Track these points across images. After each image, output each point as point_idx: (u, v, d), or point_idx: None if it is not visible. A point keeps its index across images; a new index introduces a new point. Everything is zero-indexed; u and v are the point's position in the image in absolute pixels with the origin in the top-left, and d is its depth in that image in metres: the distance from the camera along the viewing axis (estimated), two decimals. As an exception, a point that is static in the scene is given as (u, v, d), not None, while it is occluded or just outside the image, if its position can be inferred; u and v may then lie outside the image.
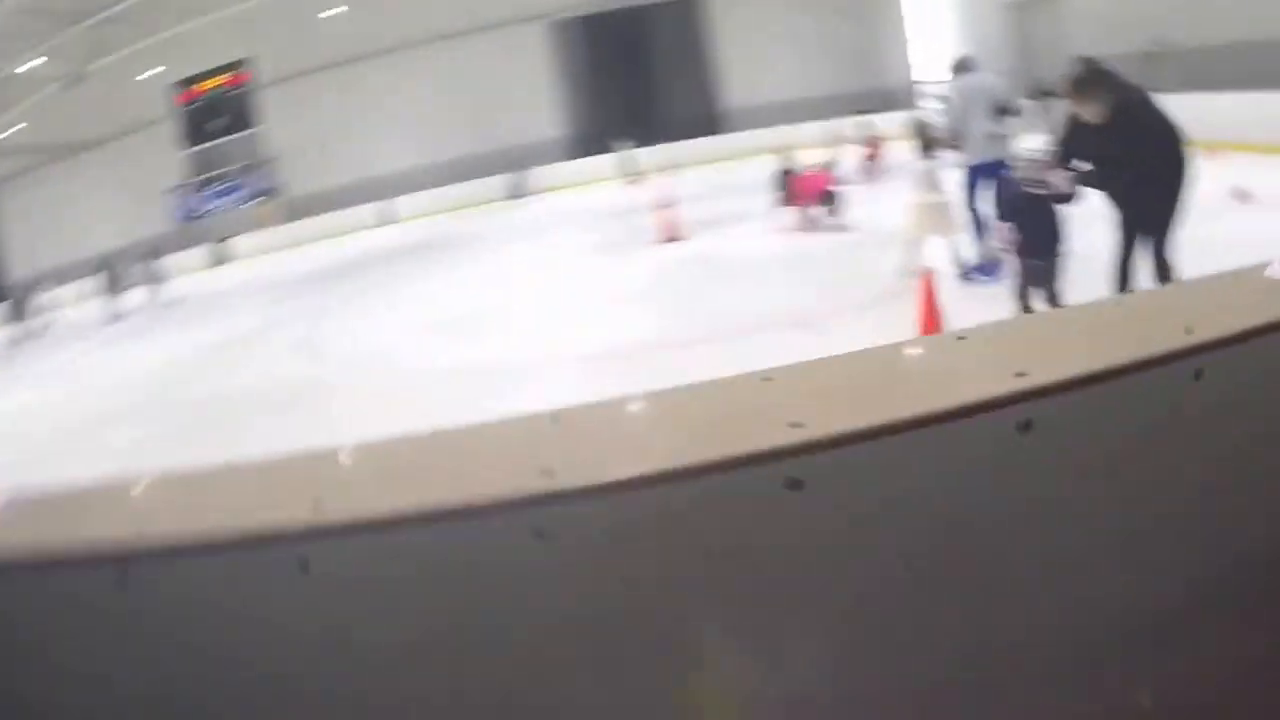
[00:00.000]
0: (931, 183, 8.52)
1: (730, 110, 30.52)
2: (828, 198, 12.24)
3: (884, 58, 30.94)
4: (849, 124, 19.58)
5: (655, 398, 1.09)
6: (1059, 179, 5.65)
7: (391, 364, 8.41)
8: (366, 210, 25.51)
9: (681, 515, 0.84)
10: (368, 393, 7.58)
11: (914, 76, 30.57)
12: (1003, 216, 6.22)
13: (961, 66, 8.41)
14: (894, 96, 29.01)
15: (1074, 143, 5.67)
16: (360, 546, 0.83)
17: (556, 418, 1.01)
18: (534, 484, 0.81)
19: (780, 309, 8.30)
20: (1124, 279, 5.78)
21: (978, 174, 7.82)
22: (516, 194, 26.01)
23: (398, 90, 27.36)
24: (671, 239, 13.34)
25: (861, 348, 1.11)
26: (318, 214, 25.78)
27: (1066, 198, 5.76)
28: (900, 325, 7.27)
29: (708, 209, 15.97)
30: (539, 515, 0.82)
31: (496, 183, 26.21)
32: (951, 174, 8.56)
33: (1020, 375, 0.86)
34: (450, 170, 26.48)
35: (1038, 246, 5.92)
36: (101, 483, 1.01)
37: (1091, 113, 5.34)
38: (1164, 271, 5.57)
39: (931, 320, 6.40)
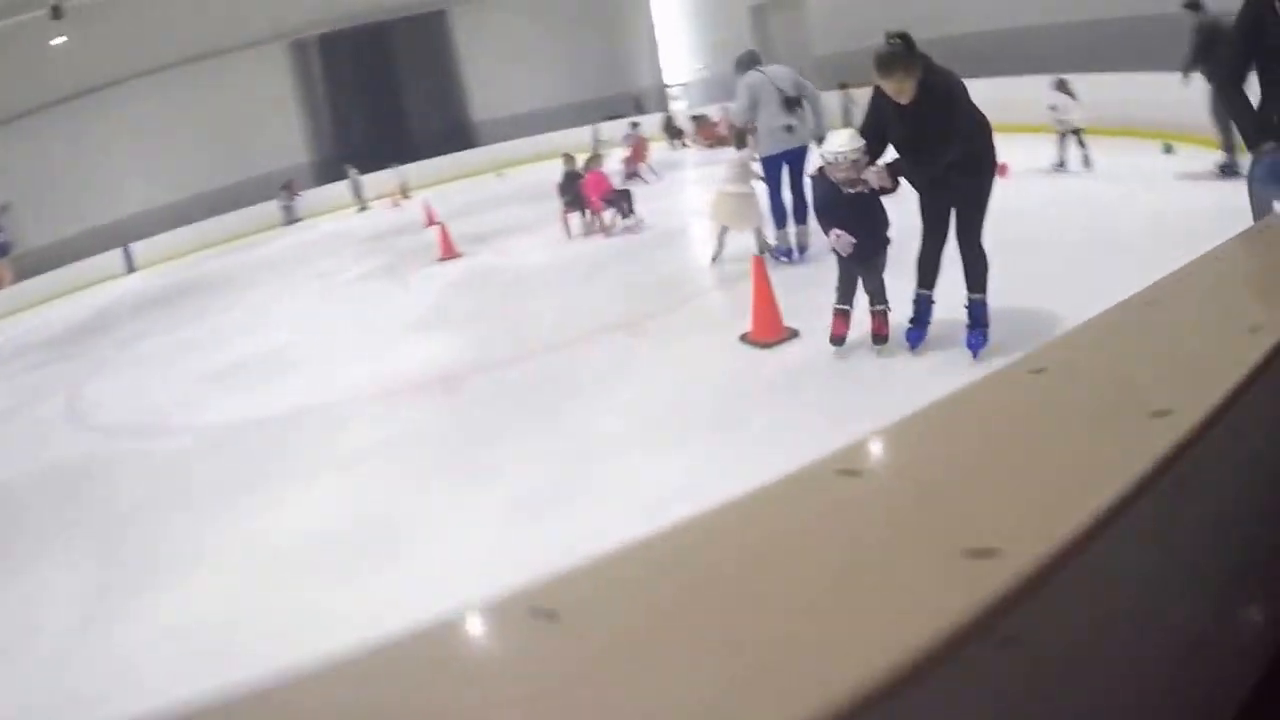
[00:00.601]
0: (739, 174, 8.51)
1: (481, 123, 30.16)
2: (621, 199, 12.15)
3: (634, 63, 31.46)
4: (605, 128, 19.62)
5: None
6: (875, 175, 5.22)
7: (174, 423, 7.52)
8: (113, 256, 23.40)
9: None
10: (158, 459, 6.75)
11: (665, 79, 31.43)
12: (824, 221, 5.58)
13: (746, 62, 8.39)
14: (646, 99, 29.61)
15: (878, 126, 5.29)
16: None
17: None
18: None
19: (590, 316, 8.07)
20: (929, 270, 5.54)
21: (772, 165, 7.99)
22: (289, 220, 24.75)
23: (134, 124, 25.15)
24: (450, 256, 12.89)
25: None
26: (57, 267, 23.36)
27: (887, 191, 5.36)
28: (716, 318, 7.26)
29: (478, 223, 15.63)
30: None
31: (256, 214, 24.76)
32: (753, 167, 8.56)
33: None
34: (202, 205, 24.66)
35: (864, 246, 5.45)
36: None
37: (898, 92, 4.98)
38: (975, 263, 5.31)
39: (765, 306, 6.26)
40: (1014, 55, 13.65)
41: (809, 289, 6.72)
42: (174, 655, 3.81)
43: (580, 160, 13.23)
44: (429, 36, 30.20)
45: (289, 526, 4.96)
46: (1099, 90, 11.43)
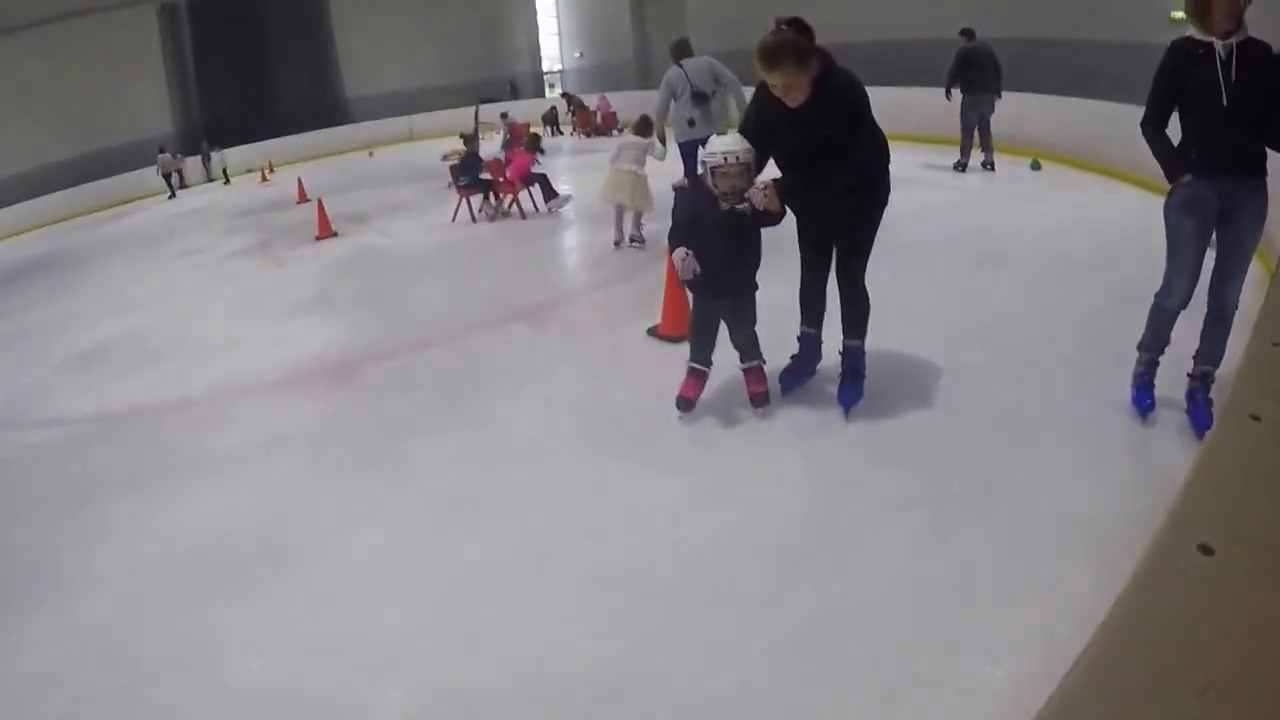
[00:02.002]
0: (636, 156, 8.53)
1: (354, 100, 29.10)
2: (541, 180, 11.58)
3: (512, 47, 30.95)
4: (482, 111, 19.00)
5: None
6: (763, 195, 4.11)
7: (35, 415, 6.57)
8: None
9: None
10: (18, 456, 5.81)
11: (544, 66, 31.10)
12: (676, 240, 4.33)
13: (677, 51, 8.39)
14: (522, 84, 29.15)
15: (759, 132, 4.25)
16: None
17: None
18: None
19: (486, 304, 7.54)
20: (812, 306, 4.77)
21: (684, 151, 7.97)
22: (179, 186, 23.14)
23: None
24: (327, 235, 12.09)
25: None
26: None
27: (770, 219, 4.26)
28: (620, 310, 6.86)
29: (354, 201, 14.88)
30: None
31: (118, 185, 23.02)
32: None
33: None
34: (60, 174, 22.68)
35: (729, 283, 4.39)
36: None
37: (787, 91, 3.96)
38: (853, 304, 4.50)
39: (675, 299, 5.78)
40: (908, 68, 13.81)
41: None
42: (44, 690, 3.20)
43: (454, 144, 12.68)
44: (304, 7, 28.85)
45: (175, 533, 4.27)
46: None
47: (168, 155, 22.34)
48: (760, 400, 4.63)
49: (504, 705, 2.80)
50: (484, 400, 5.41)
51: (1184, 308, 3.99)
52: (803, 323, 4.84)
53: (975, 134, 11.01)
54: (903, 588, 3.12)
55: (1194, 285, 3.94)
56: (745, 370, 4.65)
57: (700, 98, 7.99)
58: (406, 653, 3.11)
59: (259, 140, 25.30)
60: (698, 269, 4.23)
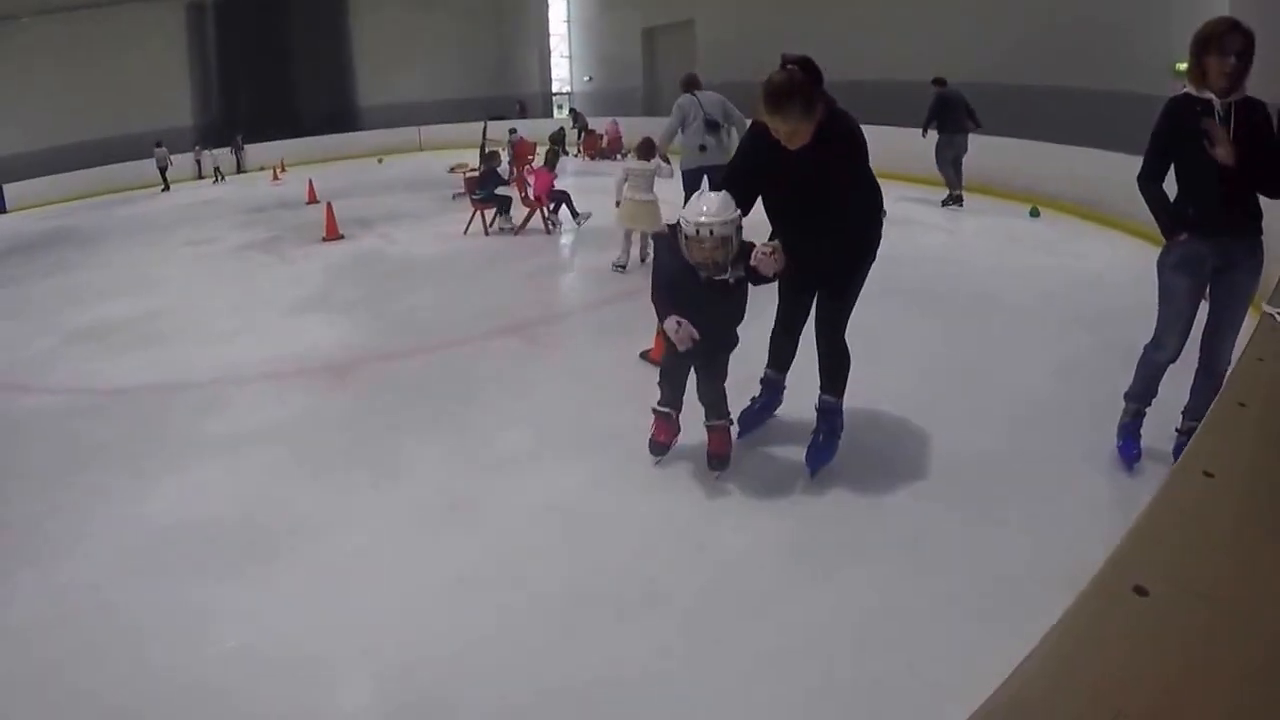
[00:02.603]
0: (644, 184, 8.66)
1: (366, 108, 29.29)
2: (563, 198, 11.71)
3: (523, 67, 31.16)
4: (492, 128, 19.19)
5: None
6: (770, 261, 3.78)
7: (38, 383, 6.71)
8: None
9: None
10: (18, 422, 5.91)
11: (553, 88, 31.31)
12: (662, 300, 3.95)
13: (685, 84, 8.62)
14: (531, 104, 29.33)
15: (750, 175, 3.99)
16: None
17: None
18: None
19: (482, 315, 7.65)
20: (780, 350, 4.63)
21: (690, 178, 7.91)
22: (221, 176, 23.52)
23: (18, 63, 22.96)
24: (334, 237, 12.22)
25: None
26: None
27: (768, 279, 3.91)
28: (615, 331, 6.96)
29: (362, 206, 14.99)
30: None
31: (135, 170, 23.09)
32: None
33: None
34: (80, 154, 22.74)
35: (707, 342, 3.98)
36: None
37: (790, 137, 3.72)
38: (832, 358, 4.23)
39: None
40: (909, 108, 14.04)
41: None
42: (23, 654, 3.31)
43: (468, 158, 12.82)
44: (325, 17, 29.09)
45: (166, 511, 4.38)
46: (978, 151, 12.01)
47: (164, 150, 22.47)
48: (718, 464, 4.29)
49: (467, 705, 2.85)
50: (473, 409, 5.50)
51: (1174, 362, 3.97)
52: (769, 365, 4.70)
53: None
54: (867, 635, 3.16)
55: (1184, 341, 3.91)
56: (708, 428, 4.33)
57: (713, 125, 8.15)
58: (377, 646, 3.15)
59: (273, 140, 25.50)
60: (696, 335, 3.85)
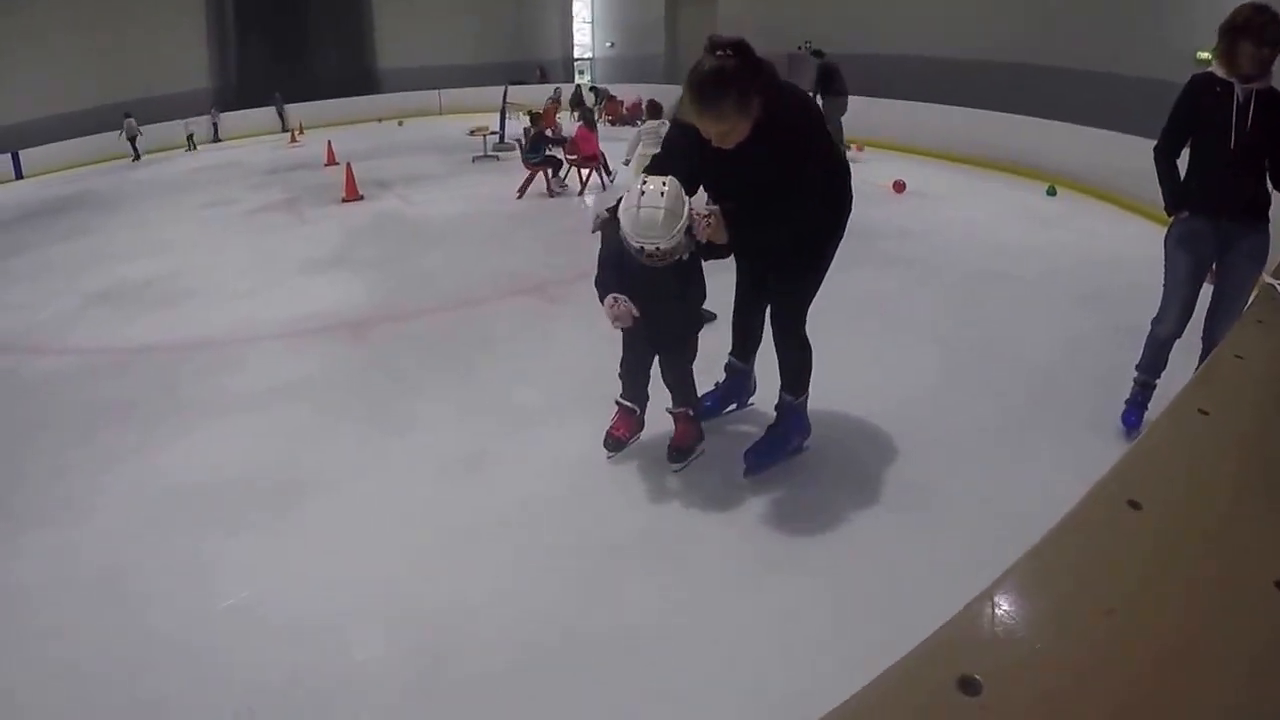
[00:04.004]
0: (656, 142, 8.45)
1: (386, 71, 29.19)
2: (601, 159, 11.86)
3: (544, 32, 30.98)
4: (513, 91, 19.10)
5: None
6: (706, 225, 3.32)
7: (57, 344, 6.73)
8: (1, 161, 21.43)
9: None
10: (38, 382, 5.92)
11: (575, 54, 31.13)
12: (604, 278, 3.65)
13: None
14: (552, 69, 29.17)
15: (684, 172, 3.41)
16: None
17: None
18: None
19: (501, 276, 7.60)
20: (741, 334, 4.23)
21: None
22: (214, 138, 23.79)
23: (33, 28, 22.94)
24: (353, 198, 12.20)
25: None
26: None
27: (716, 253, 3.53)
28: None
29: (380, 168, 14.95)
30: None
31: (152, 134, 23.14)
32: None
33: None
34: (96, 119, 22.77)
35: (661, 327, 3.69)
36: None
37: (720, 139, 3.20)
38: (789, 354, 3.81)
39: None
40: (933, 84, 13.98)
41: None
42: (58, 600, 3.34)
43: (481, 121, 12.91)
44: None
45: (182, 468, 4.38)
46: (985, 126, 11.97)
47: (132, 120, 22.38)
48: (677, 455, 3.93)
49: (475, 654, 2.87)
50: (489, 367, 5.49)
51: (1177, 337, 4.02)
52: (731, 351, 4.34)
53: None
54: (877, 592, 3.18)
55: (1186, 317, 3.98)
56: (673, 415, 4.02)
57: None
58: (388, 598, 3.19)
59: (291, 102, 25.50)
60: (635, 313, 3.55)
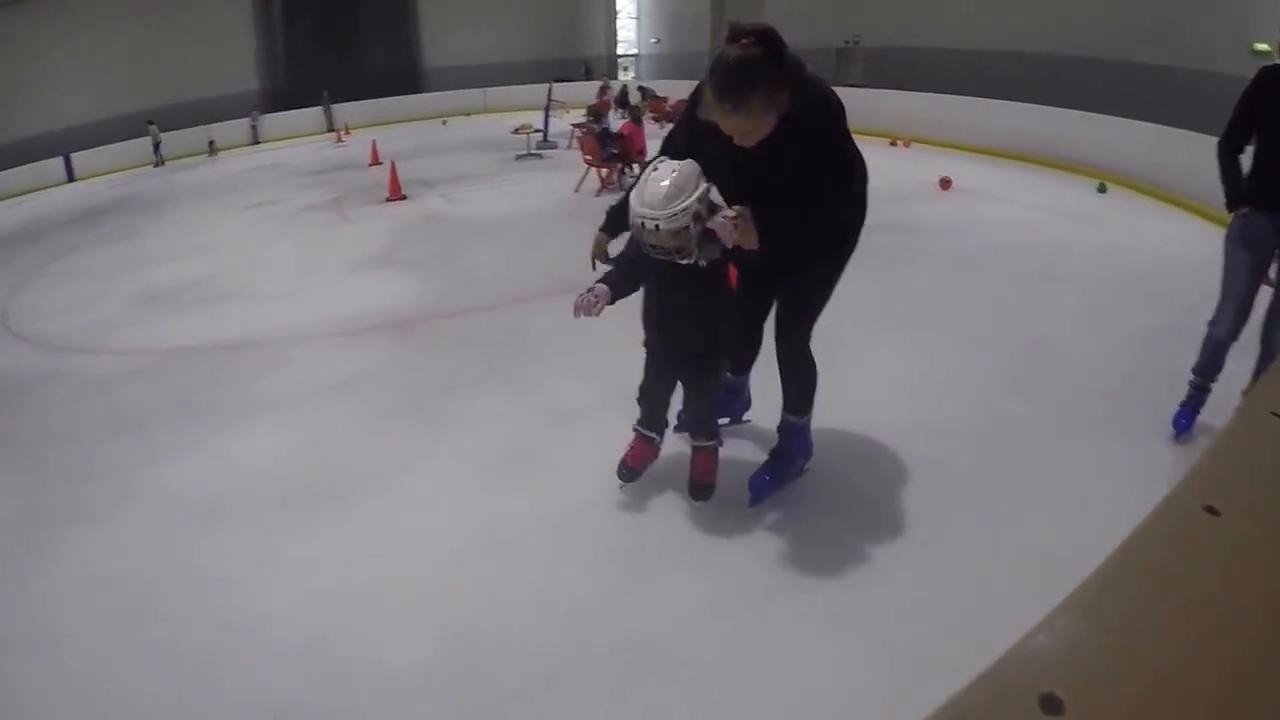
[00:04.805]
0: None
1: (431, 70, 29.28)
2: (645, 158, 11.62)
3: (589, 29, 30.93)
4: (556, 89, 19.00)
5: None
6: (729, 228, 2.83)
7: (106, 343, 6.73)
8: (54, 164, 21.83)
9: None
10: (88, 381, 5.91)
11: (619, 50, 31.05)
12: (613, 275, 3.32)
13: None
14: (596, 66, 29.08)
15: (690, 153, 3.03)
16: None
17: None
18: None
19: (546, 275, 7.39)
20: (742, 346, 3.71)
21: None
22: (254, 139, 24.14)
23: (83, 32, 23.37)
24: (397, 197, 12.17)
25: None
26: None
27: (753, 255, 2.98)
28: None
29: (425, 167, 14.96)
30: None
31: (199, 135, 23.47)
32: None
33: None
34: (139, 124, 23.09)
35: (679, 346, 3.33)
36: None
37: (743, 136, 2.82)
38: (793, 370, 3.47)
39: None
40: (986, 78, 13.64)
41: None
42: (92, 602, 3.28)
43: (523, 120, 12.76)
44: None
45: (229, 465, 4.35)
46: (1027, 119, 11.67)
47: (155, 127, 22.63)
48: (699, 493, 3.53)
49: (512, 656, 2.80)
50: (531, 366, 5.38)
51: (1234, 339, 3.87)
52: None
53: None
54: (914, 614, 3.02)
55: (1243, 317, 3.83)
56: (693, 449, 3.60)
57: None
58: (428, 596, 3.15)
59: (338, 102, 25.68)
60: (599, 296, 3.22)
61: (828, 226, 3.07)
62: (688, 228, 2.90)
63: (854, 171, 3.06)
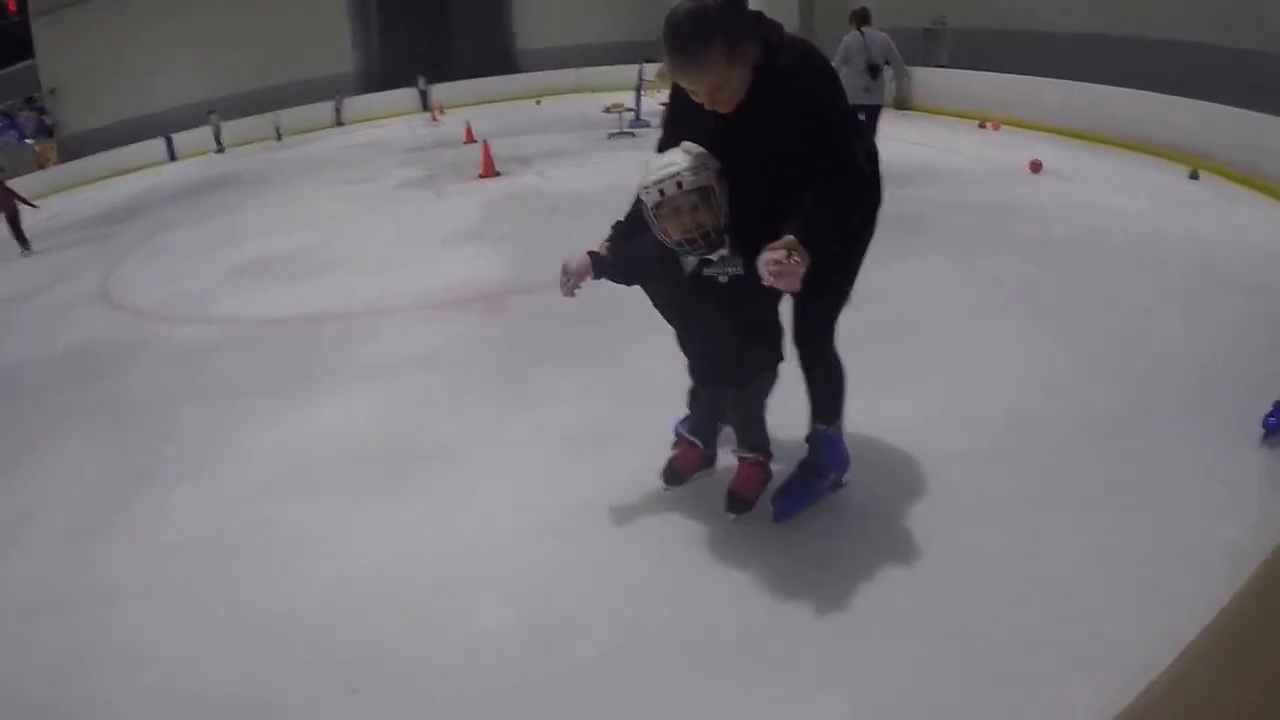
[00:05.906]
0: None
1: (523, 51, 29.43)
2: None
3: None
4: (647, 69, 18.82)
5: None
6: (772, 269, 2.27)
7: (204, 313, 6.91)
8: (156, 145, 22.70)
9: None
10: (185, 348, 6.10)
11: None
12: (625, 275, 3.13)
13: (859, 17, 8.72)
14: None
15: (679, 136, 2.72)
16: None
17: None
18: None
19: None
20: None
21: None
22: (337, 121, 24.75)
23: (184, 16, 24.21)
24: (490, 175, 12.19)
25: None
26: (102, 151, 22.64)
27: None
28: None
29: (518, 145, 14.97)
30: None
31: (298, 115, 24.06)
32: None
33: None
34: (244, 102, 23.79)
35: (720, 360, 2.99)
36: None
37: (712, 98, 2.49)
38: (817, 373, 3.07)
39: None
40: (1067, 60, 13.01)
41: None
42: (182, 562, 3.37)
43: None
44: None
45: (321, 431, 4.41)
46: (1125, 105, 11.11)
47: (216, 115, 23.05)
48: (736, 505, 3.16)
49: (588, 630, 2.73)
50: (617, 342, 5.20)
51: None
52: None
53: None
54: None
55: None
56: (740, 459, 3.26)
57: (875, 70, 8.30)
58: (508, 568, 3.10)
59: (432, 83, 26.04)
60: (576, 286, 3.06)
61: (848, 217, 2.60)
62: (712, 189, 2.57)
63: (854, 142, 2.60)
